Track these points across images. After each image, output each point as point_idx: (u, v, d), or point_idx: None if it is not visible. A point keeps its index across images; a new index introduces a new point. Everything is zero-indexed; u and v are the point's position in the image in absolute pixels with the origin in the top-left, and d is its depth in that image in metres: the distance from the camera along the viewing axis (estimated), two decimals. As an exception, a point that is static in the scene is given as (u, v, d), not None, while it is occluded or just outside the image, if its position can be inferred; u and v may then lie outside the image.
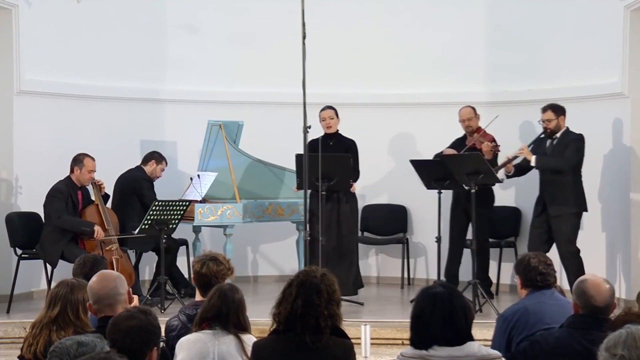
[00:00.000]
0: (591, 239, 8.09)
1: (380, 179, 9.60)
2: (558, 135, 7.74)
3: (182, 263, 8.68)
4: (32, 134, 8.54)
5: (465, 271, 8.19)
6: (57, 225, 7.74)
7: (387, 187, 9.68)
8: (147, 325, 3.22)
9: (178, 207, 7.80)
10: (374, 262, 9.85)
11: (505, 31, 9.19)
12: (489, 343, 4.44)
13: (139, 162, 8.62)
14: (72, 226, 7.77)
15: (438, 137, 8.96)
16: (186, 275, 8.57)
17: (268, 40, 9.50)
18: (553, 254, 7.68)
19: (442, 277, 8.03)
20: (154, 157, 8.59)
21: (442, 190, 8.00)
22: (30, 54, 8.49)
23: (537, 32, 8.98)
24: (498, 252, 8.90)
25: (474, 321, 3.47)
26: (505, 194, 8.49)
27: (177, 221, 7.82)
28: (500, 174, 8.02)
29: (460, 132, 8.44)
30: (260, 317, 5.06)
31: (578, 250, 7.63)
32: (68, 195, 7.81)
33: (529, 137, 8.39)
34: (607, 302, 3.89)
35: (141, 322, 3.21)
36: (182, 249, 8.70)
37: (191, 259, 8.34)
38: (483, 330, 6.04)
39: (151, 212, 7.65)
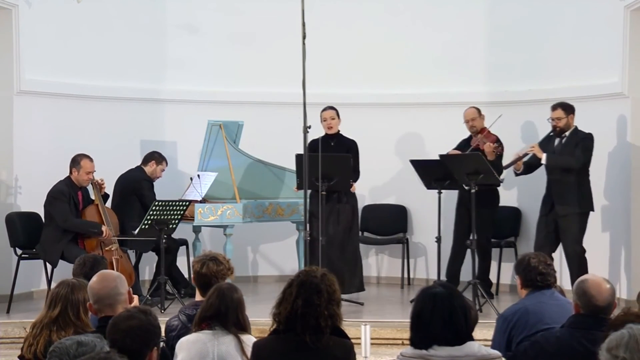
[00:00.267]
0: (592, 239, 8.08)
1: (380, 179, 9.60)
2: (567, 134, 7.73)
3: (182, 263, 8.68)
4: (32, 134, 8.54)
5: (466, 271, 8.19)
6: (64, 228, 7.75)
7: (387, 187, 9.68)
8: (147, 325, 3.22)
9: (178, 207, 7.80)
10: (374, 262, 9.85)
11: (506, 31, 9.19)
12: (489, 343, 4.44)
13: (139, 162, 8.62)
14: (79, 228, 7.78)
15: (438, 137, 8.98)
16: (186, 275, 8.57)
17: (268, 40, 9.50)
18: (557, 253, 7.72)
19: (442, 277, 8.03)
20: (154, 157, 8.59)
21: (442, 190, 8.01)
22: (30, 54, 8.49)
23: (537, 32, 8.98)
24: (498, 252, 8.90)
25: (474, 321, 3.47)
26: (505, 194, 8.48)
27: (177, 221, 7.82)
28: (503, 174, 8.03)
29: (466, 133, 8.43)
30: (260, 317, 5.06)
31: (584, 250, 7.64)
32: (70, 196, 7.82)
33: (529, 137, 8.41)
34: (608, 301, 3.89)
35: (141, 322, 3.21)
36: (182, 249, 8.70)
37: (191, 259, 8.34)
38: (483, 330, 6.02)
39: (151, 212, 7.65)
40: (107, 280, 3.93)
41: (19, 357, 4.14)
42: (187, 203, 7.96)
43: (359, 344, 4.47)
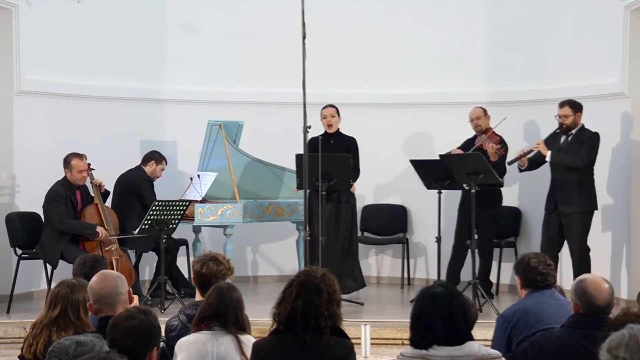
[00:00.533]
0: (593, 239, 8.08)
1: (380, 179, 9.59)
2: (573, 131, 7.73)
3: (182, 263, 8.68)
4: (32, 134, 8.54)
5: (466, 271, 8.19)
6: (59, 230, 7.75)
7: (387, 187, 9.68)
8: (147, 325, 3.22)
9: (178, 207, 7.79)
10: (374, 262, 9.85)
11: (506, 31, 9.19)
12: (489, 343, 4.44)
13: (139, 162, 8.62)
14: (74, 230, 7.78)
15: (438, 137, 8.98)
16: (186, 275, 8.57)
17: (268, 40, 9.49)
18: (561, 253, 7.72)
19: (443, 277, 8.02)
20: (154, 157, 8.59)
21: (442, 190, 8.01)
22: (30, 54, 8.49)
23: (537, 32, 8.98)
24: (498, 252, 8.89)
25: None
26: (505, 194, 8.48)
27: (177, 221, 7.82)
28: (504, 177, 8.03)
29: (467, 133, 8.43)
30: (260, 317, 5.07)
31: (588, 249, 7.64)
32: (67, 197, 7.81)
33: (529, 137, 8.40)
34: (607, 300, 3.90)
35: (141, 322, 3.21)
36: (182, 249, 8.70)
37: (191, 259, 8.34)
38: (483, 330, 6.03)
39: (151, 212, 7.65)
40: (107, 280, 3.94)
41: (19, 357, 4.14)
42: (187, 203, 7.96)
43: (359, 344, 4.47)
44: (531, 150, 7.86)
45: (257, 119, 9.20)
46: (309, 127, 6.81)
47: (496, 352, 3.45)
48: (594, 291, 3.89)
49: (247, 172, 8.79)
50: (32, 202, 8.11)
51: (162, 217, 7.69)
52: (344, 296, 6.05)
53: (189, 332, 4.12)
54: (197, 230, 8.71)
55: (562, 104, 7.76)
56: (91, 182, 7.99)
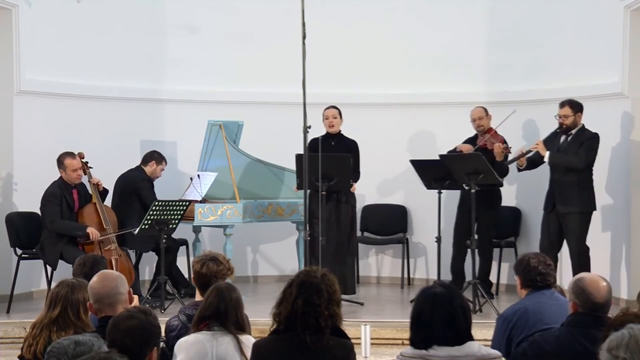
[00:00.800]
0: (593, 239, 8.08)
1: (381, 179, 9.60)
2: (573, 132, 7.73)
3: (182, 263, 8.69)
4: (32, 134, 8.54)
5: (466, 271, 8.19)
6: (51, 230, 7.75)
7: (387, 187, 9.68)
8: (147, 325, 3.22)
9: (178, 207, 7.79)
10: (374, 262, 9.85)
11: (506, 31, 9.19)
12: (489, 343, 4.44)
13: (139, 162, 8.62)
14: (65, 231, 7.76)
15: (439, 137, 8.98)
16: (186, 275, 8.58)
17: (268, 40, 9.50)
18: (560, 253, 7.72)
19: (443, 277, 8.01)
20: (154, 157, 8.58)
21: (442, 190, 8.01)
22: (30, 54, 8.50)
23: (537, 32, 8.98)
24: (498, 252, 8.90)
25: (474, 321, 3.47)
26: (505, 194, 8.48)
27: (177, 221, 7.82)
28: (505, 178, 8.04)
29: (468, 132, 8.44)
30: (260, 317, 5.07)
31: (588, 249, 7.64)
32: (62, 197, 7.80)
33: (529, 137, 8.40)
34: (606, 298, 3.90)
35: (141, 322, 3.21)
36: (182, 249, 8.70)
37: (191, 259, 8.34)
38: (483, 330, 6.04)
39: (151, 212, 7.65)
40: (107, 280, 3.94)
41: (18, 357, 4.14)
42: (187, 203, 7.96)
43: (359, 344, 4.47)
44: (530, 151, 7.86)
45: (257, 119, 9.20)
46: (309, 127, 6.81)
47: (496, 352, 3.45)
48: (592, 289, 3.89)
49: (247, 172, 8.78)
50: (32, 202, 8.11)
51: (162, 217, 7.69)
52: (343, 296, 6.04)
53: (188, 332, 4.12)
54: (197, 230, 8.71)
55: (562, 104, 7.76)
56: (89, 181, 7.99)
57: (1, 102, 8.37)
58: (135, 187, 8.39)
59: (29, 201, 8.23)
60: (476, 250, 7.79)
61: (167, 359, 4.04)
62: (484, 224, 8.06)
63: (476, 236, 7.79)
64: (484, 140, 8.16)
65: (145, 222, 7.67)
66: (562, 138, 7.79)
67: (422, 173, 8.13)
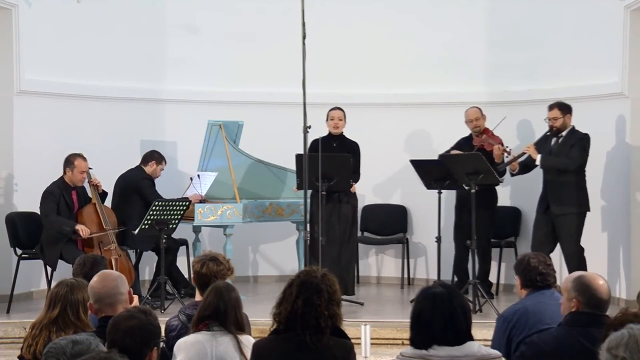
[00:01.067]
0: (592, 239, 8.09)
1: (380, 179, 9.60)
2: (564, 133, 7.74)
3: (182, 263, 8.69)
4: (32, 134, 8.54)
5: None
6: (43, 224, 7.76)
7: (387, 187, 9.68)
8: (147, 325, 3.22)
9: (178, 207, 7.79)
10: (374, 262, 9.85)
11: (506, 31, 9.19)
12: (489, 343, 4.44)
13: (138, 162, 8.61)
14: (55, 226, 7.76)
15: (439, 137, 8.98)
16: (186, 275, 8.58)
17: (268, 40, 9.50)
18: (555, 254, 7.72)
19: (443, 277, 8.01)
20: (154, 157, 8.58)
21: (442, 190, 8.02)
22: (30, 54, 8.50)
23: (537, 32, 8.98)
24: (498, 252, 8.90)
25: (474, 321, 3.47)
26: (505, 194, 8.49)
27: (177, 221, 7.82)
28: (504, 178, 8.03)
29: (464, 132, 8.43)
30: (260, 317, 5.07)
31: (582, 250, 7.64)
32: (60, 197, 7.80)
33: (529, 137, 8.40)
34: (608, 295, 3.92)
35: (141, 322, 3.21)
36: (182, 249, 8.70)
37: (191, 259, 8.34)
38: (483, 330, 6.04)
39: (151, 212, 7.65)
40: (107, 279, 3.93)
41: (18, 357, 4.14)
42: (187, 203, 7.96)
43: (359, 344, 4.47)
44: (522, 154, 7.87)
45: (257, 119, 9.20)
46: (309, 127, 6.80)
47: (496, 352, 3.45)
48: (595, 285, 3.90)
49: (247, 172, 8.78)
50: (32, 202, 8.11)
51: (162, 217, 7.69)
52: (343, 296, 6.05)
53: (188, 332, 4.12)
54: (197, 230, 8.71)
55: (551, 107, 7.78)
56: (89, 182, 7.99)
57: (1, 102, 8.37)
58: (137, 187, 8.39)
59: (29, 201, 8.22)
60: (475, 251, 7.79)
61: (167, 359, 4.04)
62: (482, 224, 8.07)
63: (474, 236, 7.79)
64: (481, 141, 8.15)
65: (145, 222, 7.67)
66: (553, 140, 7.80)
67: (422, 173, 8.13)
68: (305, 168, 6.77)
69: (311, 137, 7.11)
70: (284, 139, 8.50)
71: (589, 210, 7.77)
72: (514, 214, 9.08)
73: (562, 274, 7.96)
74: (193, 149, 8.87)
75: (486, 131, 8.26)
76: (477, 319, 5.70)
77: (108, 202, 8.28)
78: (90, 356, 2.82)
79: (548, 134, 7.82)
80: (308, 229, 7.07)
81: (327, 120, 8.22)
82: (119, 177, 8.51)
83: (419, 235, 9.65)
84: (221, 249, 7.80)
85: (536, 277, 4.48)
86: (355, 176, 8.13)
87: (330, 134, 8.20)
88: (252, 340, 3.86)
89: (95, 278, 3.96)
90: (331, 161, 7.50)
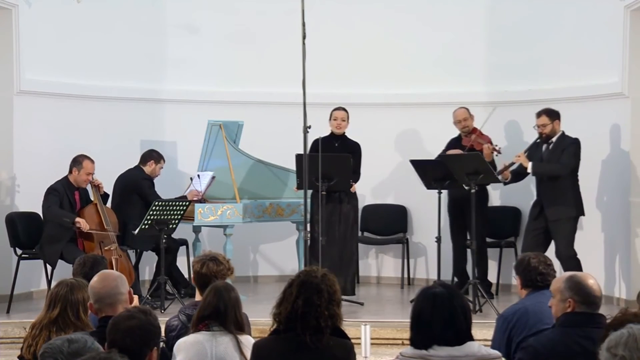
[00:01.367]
0: (592, 239, 8.09)
1: (380, 179, 9.60)
2: (554, 139, 7.74)
3: (182, 263, 8.69)
4: (32, 134, 8.54)
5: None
6: (45, 216, 7.77)
7: (387, 187, 9.68)
8: (147, 325, 3.22)
9: (178, 207, 7.80)
10: (374, 262, 9.85)
11: (506, 31, 9.19)
12: (489, 343, 4.44)
13: (137, 162, 8.61)
14: (55, 218, 7.77)
15: (438, 136, 8.96)
16: (186, 275, 8.58)
17: (268, 40, 9.50)
18: (551, 257, 7.72)
19: (443, 277, 8.01)
20: (153, 156, 8.58)
21: (442, 190, 8.02)
22: (30, 54, 8.50)
23: (537, 32, 8.98)
24: (498, 252, 8.90)
25: (474, 321, 3.47)
26: (505, 194, 8.49)
27: (177, 221, 7.82)
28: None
29: (454, 133, 8.45)
30: (260, 317, 5.07)
31: (576, 253, 7.64)
32: (64, 195, 7.82)
33: (529, 137, 8.39)
34: (600, 292, 3.94)
35: (141, 322, 3.21)
36: (182, 249, 8.70)
37: (191, 259, 8.34)
38: (483, 330, 6.04)
39: (151, 212, 7.65)
40: (107, 279, 3.93)
41: (18, 357, 4.14)
42: (187, 203, 7.96)
43: (359, 344, 4.48)
44: (513, 163, 7.87)
45: (257, 119, 9.20)
46: (309, 127, 6.80)
47: (496, 353, 3.45)
48: (589, 283, 3.91)
49: (247, 172, 8.78)
50: (32, 202, 8.11)
51: (162, 217, 7.69)
52: (343, 296, 6.04)
53: (188, 332, 4.12)
54: (197, 230, 8.70)
55: (538, 114, 7.79)
56: (91, 183, 8.00)
57: (1, 102, 8.37)
58: (137, 187, 8.39)
59: (29, 201, 8.23)
60: (474, 251, 7.80)
61: (167, 359, 4.04)
62: (478, 224, 8.06)
63: (468, 236, 7.80)
64: (471, 141, 8.15)
65: (145, 222, 7.67)
66: (544, 147, 7.81)
67: (422, 173, 8.14)
68: (305, 168, 6.77)
69: (311, 137, 7.11)
70: (284, 139, 8.50)
71: (583, 214, 7.77)
72: (514, 214, 9.07)
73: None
74: (193, 149, 8.87)
75: (475, 131, 8.27)
76: (477, 319, 5.70)
77: (107, 203, 8.28)
78: (91, 356, 2.82)
79: (538, 141, 7.83)
80: (308, 229, 7.07)
81: (330, 119, 8.22)
82: (118, 177, 8.51)
83: (419, 235, 9.64)
84: (221, 249, 7.80)
85: (536, 277, 4.48)
86: (355, 176, 8.13)
87: (332, 133, 8.20)
88: (252, 340, 3.86)
89: (95, 278, 3.96)
90: (331, 161, 7.50)
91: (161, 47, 9.49)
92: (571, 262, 7.58)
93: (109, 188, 8.27)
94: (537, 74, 8.93)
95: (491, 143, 8.05)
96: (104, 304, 3.86)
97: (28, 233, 8.01)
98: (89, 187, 8.04)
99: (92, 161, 7.93)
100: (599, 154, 8.24)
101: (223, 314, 3.99)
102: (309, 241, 7.06)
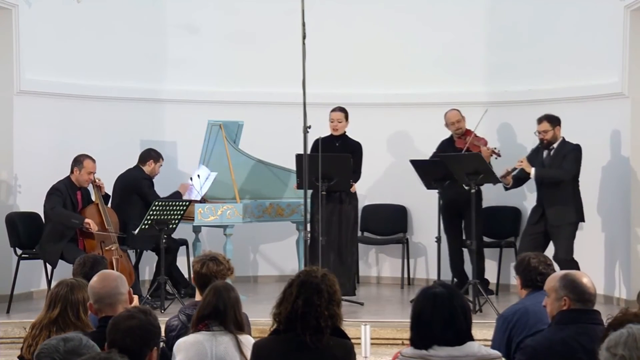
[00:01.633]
0: (592, 238, 8.09)
1: (380, 179, 9.60)
2: (555, 145, 7.76)
3: (182, 263, 8.69)
4: (32, 134, 8.54)
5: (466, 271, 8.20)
6: (49, 218, 7.77)
7: (387, 187, 9.67)
8: (147, 325, 3.22)
9: (178, 207, 7.80)
10: (374, 262, 9.85)
11: (506, 31, 9.19)
12: (489, 343, 4.44)
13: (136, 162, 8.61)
14: (62, 219, 7.76)
15: (438, 136, 8.95)
16: (186, 275, 8.58)
17: (268, 40, 9.50)
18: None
19: (443, 277, 8.02)
20: (152, 156, 8.58)
21: (442, 190, 8.01)
22: (30, 54, 8.50)
23: (537, 32, 8.98)
24: (498, 252, 8.90)
25: (474, 321, 3.47)
26: (505, 194, 8.48)
27: (177, 221, 7.82)
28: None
29: (446, 134, 8.47)
30: (260, 317, 5.07)
31: (574, 259, 7.64)
32: (67, 195, 7.82)
33: (529, 137, 8.39)
34: (594, 289, 3.94)
35: (141, 322, 3.21)
36: (182, 249, 8.70)
37: (191, 259, 8.34)
38: (483, 330, 6.04)
39: (151, 212, 7.65)
40: (107, 280, 3.93)
41: (18, 357, 4.14)
42: (187, 203, 7.96)
43: (359, 344, 4.47)
44: (515, 169, 7.87)
45: (257, 119, 9.20)
46: (309, 127, 6.81)
47: (496, 353, 3.45)
48: (583, 281, 3.93)
49: (247, 172, 8.78)
50: (33, 202, 8.12)
51: (162, 217, 7.69)
52: (343, 297, 6.04)
53: (188, 332, 4.12)
54: (197, 230, 8.70)
55: (540, 120, 7.79)
56: (92, 182, 8.00)
57: (1, 102, 8.37)
58: (137, 187, 8.39)
59: (29, 201, 8.24)
60: (474, 251, 7.80)
61: (167, 359, 4.04)
62: (476, 223, 8.06)
63: (464, 237, 7.80)
64: (467, 143, 8.14)
65: (145, 222, 7.67)
66: (545, 153, 7.82)
67: (422, 173, 8.14)
68: (305, 168, 6.77)
69: (311, 137, 7.11)
70: (284, 139, 8.50)
71: (583, 220, 7.78)
72: (514, 214, 9.07)
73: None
74: (193, 149, 8.87)
75: (469, 133, 8.26)
76: (477, 319, 5.70)
77: (108, 202, 8.28)
78: (91, 356, 2.81)
79: (539, 147, 7.84)
80: (308, 229, 7.07)
81: (329, 120, 8.22)
82: (118, 177, 8.51)
83: (418, 235, 9.64)
84: (221, 249, 7.80)
85: (536, 277, 4.48)
86: (355, 176, 8.12)
87: (332, 134, 8.20)
88: (252, 340, 3.86)
89: (95, 278, 3.96)
90: (331, 161, 7.50)
91: (161, 47, 9.49)
92: (569, 265, 7.58)
93: (109, 188, 8.27)
94: (537, 74, 8.93)
95: (487, 146, 8.05)
96: (104, 304, 3.86)
97: (28, 233, 8.00)
98: (90, 188, 8.04)
99: (93, 160, 7.93)
100: (598, 154, 8.24)
101: (223, 314, 3.99)
102: (309, 241, 7.06)
